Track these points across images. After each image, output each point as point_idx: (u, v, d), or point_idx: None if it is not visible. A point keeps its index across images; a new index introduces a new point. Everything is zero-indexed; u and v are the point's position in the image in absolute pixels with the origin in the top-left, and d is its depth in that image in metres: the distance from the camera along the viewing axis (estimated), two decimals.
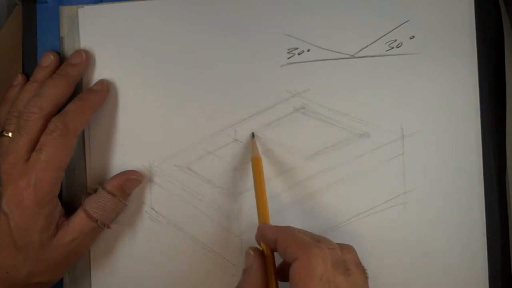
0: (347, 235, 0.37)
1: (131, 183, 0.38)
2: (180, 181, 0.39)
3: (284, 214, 0.38)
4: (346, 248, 0.31)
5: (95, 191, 0.37)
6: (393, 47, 0.38)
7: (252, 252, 0.32)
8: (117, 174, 0.37)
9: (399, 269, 0.37)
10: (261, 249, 0.33)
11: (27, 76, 0.39)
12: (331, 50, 0.38)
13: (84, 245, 0.37)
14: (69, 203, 0.38)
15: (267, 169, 0.38)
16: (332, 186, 0.38)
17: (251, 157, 0.36)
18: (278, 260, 0.32)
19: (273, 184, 0.38)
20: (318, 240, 0.30)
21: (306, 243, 0.29)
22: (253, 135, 0.38)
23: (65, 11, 0.39)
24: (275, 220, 0.38)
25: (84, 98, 0.37)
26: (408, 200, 0.37)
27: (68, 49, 0.39)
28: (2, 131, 0.36)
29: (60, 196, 0.36)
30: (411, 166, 0.37)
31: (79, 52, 0.38)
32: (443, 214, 0.37)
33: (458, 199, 0.37)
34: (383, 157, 0.37)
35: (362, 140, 0.38)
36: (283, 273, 0.32)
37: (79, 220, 0.36)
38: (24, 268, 0.34)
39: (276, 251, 0.31)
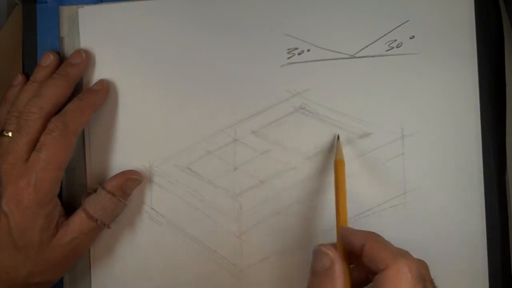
0: None
1: (131, 183, 0.38)
2: (180, 181, 0.39)
3: (284, 214, 0.38)
4: (422, 263, 0.30)
5: (95, 191, 0.37)
6: (393, 47, 0.38)
7: (331, 253, 0.30)
8: (117, 174, 0.37)
9: None
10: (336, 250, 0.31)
11: (27, 76, 0.39)
12: (331, 50, 0.38)
13: (84, 245, 0.37)
14: (69, 203, 0.38)
15: (267, 169, 0.38)
16: (332, 186, 0.38)
17: (335, 159, 0.36)
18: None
19: (273, 184, 0.38)
20: (403, 253, 0.29)
21: (397, 253, 0.28)
22: (338, 137, 0.37)
23: (65, 11, 0.39)
24: (273, 220, 0.38)
25: (84, 98, 0.37)
26: (408, 200, 0.37)
27: (68, 49, 0.39)
28: (2, 131, 0.36)
29: (60, 196, 0.36)
30: (411, 166, 0.37)
31: (79, 52, 0.38)
32: (443, 214, 0.37)
33: (458, 199, 0.37)
34: (383, 157, 0.37)
35: (362, 140, 0.38)
36: (354, 281, 0.31)
37: (79, 220, 0.36)
38: (24, 268, 0.34)
39: (355, 259, 0.30)
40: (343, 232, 0.31)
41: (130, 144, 0.39)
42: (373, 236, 0.30)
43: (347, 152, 0.37)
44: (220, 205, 0.38)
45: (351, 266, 0.31)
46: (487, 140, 0.37)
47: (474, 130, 0.37)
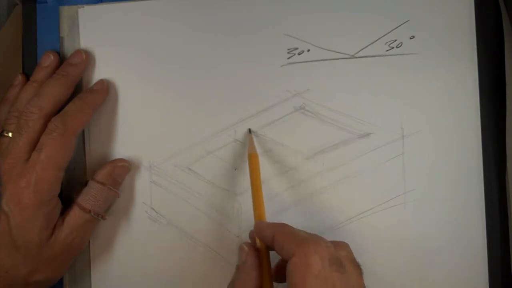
0: (347, 235, 0.37)
1: (119, 170, 0.38)
2: (180, 181, 0.39)
3: (284, 214, 0.38)
4: (341, 245, 0.31)
5: (86, 184, 0.37)
6: (393, 47, 0.38)
7: (246, 248, 0.32)
8: (105, 164, 0.38)
9: (399, 269, 0.37)
10: (255, 245, 0.32)
11: (27, 76, 0.39)
12: (331, 50, 0.38)
13: (81, 239, 0.37)
14: (69, 203, 0.38)
15: (267, 169, 0.38)
16: (332, 186, 0.38)
17: (248, 154, 0.36)
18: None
19: (273, 184, 0.38)
20: (313, 237, 0.30)
21: (304, 240, 0.29)
22: (249, 130, 0.38)
23: (65, 11, 0.39)
24: (275, 220, 0.38)
25: (84, 98, 0.37)
26: (408, 200, 0.37)
27: (68, 49, 0.39)
28: (2, 131, 0.36)
29: (60, 196, 0.36)
30: (411, 166, 0.37)
31: (79, 52, 0.38)
32: (443, 214, 0.37)
33: (458, 199, 0.37)
34: (383, 157, 0.37)
35: (362, 140, 0.38)
36: (278, 273, 0.32)
37: (73, 214, 0.36)
38: (24, 267, 0.34)
39: (272, 248, 0.31)
40: (257, 226, 0.32)
41: (130, 144, 0.39)
42: (281, 227, 0.31)
43: (347, 152, 0.37)
44: (220, 205, 0.38)
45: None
46: (487, 140, 0.37)
47: (474, 130, 0.37)
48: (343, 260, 0.29)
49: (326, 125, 0.38)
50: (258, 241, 0.32)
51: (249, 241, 0.33)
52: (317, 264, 0.28)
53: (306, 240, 0.29)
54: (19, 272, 0.34)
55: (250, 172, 0.35)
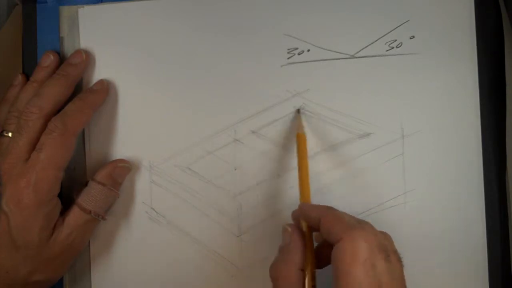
0: None
1: (120, 170, 0.38)
2: (180, 181, 0.39)
3: (285, 215, 0.38)
4: (385, 235, 0.30)
5: (86, 184, 0.37)
6: (393, 47, 0.38)
7: (290, 229, 0.31)
8: (105, 164, 0.38)
9: None
10: (299, 227, 0.32)
11: (27, 76, 0.39)
12: (331, 50, 0.38)
13: (81, 239, 0.37)
14: (69, 203, 0.38)
15: (267, 169, 0.38)
16: (332, 186, 0.38)
17: (296, 133, 0.36)
18: None
19: (273, 184, 0.38)
20: (361, 223, 0.29)
21: (352, 225, 0.28)
22: (298, 111, 0.37)
23: (65, 11, 0.39)
24: (275, 219, 0.38)
25: (84, 98, 0.37)
26: (408, 200, 0.37)
27: (68, 49, 0.39)
28: (2, 131, 0.36)
29: (60, 196, 0.36)
30: (411, 166, 0.37)
31: (79, 52, 0.38)
32: (443, 214, 0.37)
33: (458, 199, 0.37)
34: (383, 157, 0.37)
35: (362, 140, 0.38)
36: (320, 256, 0.32)
37: (73, 214, 0.36)
38: (23, 267, 0.34)
39: (317, 231, 0.31)
40: (302, 208, 0.32)
41: (130, 144, 0.39)
42: (329, 210, 0.31)
43: (347, 152, 0.37)
44: (220, 205, 0.38)
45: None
46: (487, 140, 0.37)
47: (474, 130, 0.37)
48: (388, 249, 0.29)
49: (326, 125, 0.38)
50: (302, 223, 0.32)
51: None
52: (364, 250, 0.27)
53: (354, 225, 0.28)
54: (19, 272, 0.34)
55: (298, 151, 0.35)
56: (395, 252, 0.29)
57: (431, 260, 0.37)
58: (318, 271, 0.31)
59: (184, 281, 0.38)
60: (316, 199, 0.38)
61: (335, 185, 0.38)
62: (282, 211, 0.38)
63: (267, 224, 0.38)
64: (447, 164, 0.37)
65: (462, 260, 0.37)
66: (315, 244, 0.32)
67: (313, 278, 0.30)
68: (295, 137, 0.37)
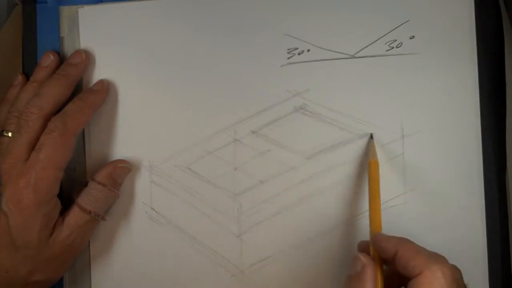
0: (347, 235, 0.37)
1: (120, 171, 0.38)
2: (180, 181, 0.39)
3: (285, 214, 0.38)
4: (456, 269, 0.30)
5: (86, 184, 0.37)
6: (393, 47, 0.38)
7: (364, 259, 0.31)
8: (105, 164, 0.38)
9: None
10: (371, 257, 0.32)
11: (27, 76, 0.39)
12: (331, 50, 0.38)
13: (81, 239, 0.37)
14: (69, 203, 0.38)
15: (267, 169, 0.38)
16: (332, 186, 0.38)
17: (369, 160, 0.36)
18: None
19: (273, 184, 0.38)
20: (439, 257, 0.30)
21: (431, 259, 0.29)
22: (371, 136, 0.37)
23: (65, 11, 0.39)
24: (275, 219, 0.38)
25: (84, 98, 0.37)
26: (408, 200, 0.37)
27: (68, 49, 0.39)
28: (2, 131, 0.36)
29: (60, 196, 0.36)
30: (411, 166, 0.37)
31: (79, 52, 0.38)
32: (443, 214, 0.37)
33: (458, 199, 0.37)
34: (383, 157, 0.37)
35: (362, 140, 0.38)
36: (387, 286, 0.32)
37: (73, 214, 0.36)
38: (23, 267, 0.34)
39: (389, 263, 0.31)
40: (375, 238, 0.32)
41: (130, 144, 0.39)
42: (406, 243, 0.30)
43: (347, 152, 0.37)
44: (220, 205, 0.38)
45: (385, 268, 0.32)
46: (487, 140, 0.37)
47: (474, 130, 0.37)
48: (460, 284, 0.29)
49: (326, 125, 0.38)
50: (373, 253, 0.32)
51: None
52: (441, 285, 0.28)
53: (433, 260, 0.29)
54: (19, 272, 0.34)
55: (370, 179, 0.35)
56: (465, 286, 0.30)
57: None
58: None
59: (184, 281, 0.38)
60: (316, 199, 0.38)
61: (335, 185, 0.38)
62: (282, 211, 0.38)
63: (267, 224, 0.38)
64: (447, 164, 0.37)
65: (462, 260, 0.37)
66: None
67: None
68: (298, 137, 0.37)
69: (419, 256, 0.29)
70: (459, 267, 0.29)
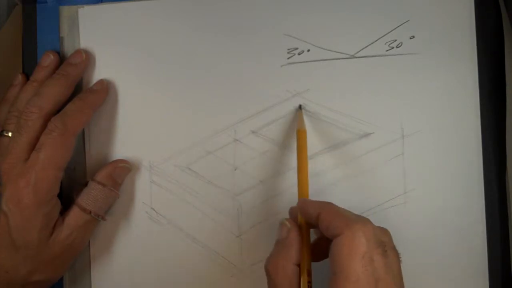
0: None
1: (120, 171, 0.38)
2: (180, 181, 0.39)
3: (284, 214, 0.38)
4: (383, 231, 0.30)
5: (86, 184, 0.37)
6: (393, 47, 0.38)
7: (288, 224, 0.32)
8: (106, 164, 0.38)
9: None
10: (297, 222, 0.32)
11: (27, 76, 0.39)
12: (331, 50, 0.38)
13: (81, 239, 0.37)
14: (69, 203, 0.38)
15: (267, 169, 0.38)
16: (332, 186, 0.38)
17: (296, 129, 0.36)
18: None
19: (273, 184, 0.38)
20: (361, 219, 0.30)
21: (351, 219, 0.29)
22: (300, 107, 0.37)
23: (65, 11, 0.39)
24: (275, 219, 0.38)
25: (84, 98, 0.37)
26: (408, 200, 0.37)
27: (68, 49, 0.39)
28: (2, 131, 0.36)
29: (60, 196, 0.36)
30: (411, 166, 0.37)
31: (79, 52, 0.38)
32: (443, 214, 0.37)
33: (458, 199, 0.37)
34: (383, 157, 0.37)
35: (362, 140, 0.38)
36: (315, 251, 0.32)
37: (73, 214, 0.36)
38: (23, 267, 0.34)
39: (314, 226, 0.31)
40: (301, 203, 0.32)
41: (130, 144, 0.39)
42: (328, 205, 0.31)
43: (347, 152, 0.37)
44: (220, 205, 0.38)
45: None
46: (487, 140, 0.37)
47: (474, 130, 0.37)
48: (386, 245, 0.29)
49: (326, 125, 0.38)
50: (300, 218, 0.32)
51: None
52: (363, 245, 0.28)
53: (354, 220, 0.29)
54: (19, 272, 0.34)
55: (298, 148, 0.35)
56: (393, 248, 0.30)
57: (431, 260, 0.37)
58: (313, 266, 0.31)
59: (183, 281, 0.38)
60: (316, 199, 0.37)
61: (335, 185, 0.38)
62: (282, 211, 0.38)
63: (267, 224, 0.38)
64: (447, 164, 0.37)
65: (462, 260, 0.37)
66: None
67: (309, 274, 0.30)
68: (295, 134, 0.37)
69: (340, 217, 0.29)
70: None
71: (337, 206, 0.31)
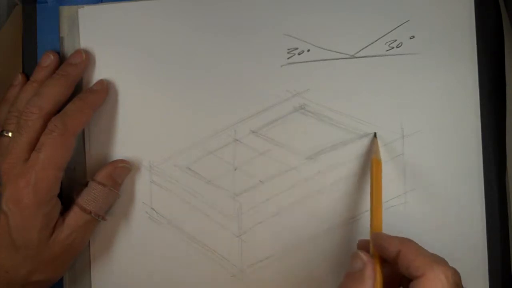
0: (347, 235, 0.37)
1: (120, 171, 0.38)
2: (180, 181, 0.39)
3: (284, 215, 0.38)
4: (457, 272, 0.30)
5: (87, 185, 0.37)
6: (393, 47, 0.38)
7: (364, 258, 0.30)
8: (106, 164, 0.38)
9: None
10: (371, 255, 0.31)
11: (27, 76, 0.39)
12: (331, 50, 0.38)
13: (81, 239, 0.37)
14: (69, 203, 0.38)
15: (267, 169, 0.38)
16: (332, 186, 0.38)
17: (372, 159, 0.35)
18: None
19: (273, 184, 0.38)
20: (441, 260, 0.30)
21: (434, 260, 0.29)
22: (375, 135, 0.37)
23: (65, 11, 0.39)
24: (275, 219, 0.38)
25: (84, 98, 0.37)
26: (408, 200, 0.37)
27: (68, 49, 0.39)
28: (2, 131, 0.36)
29: (60, 196, 0.36)
30: (411, 166, 0.37)
31: (79, 52, 0.38)
32: (443, 214, 0.37)
33: (458, 199, 0.37)
34: (383, 157, 0.37)
35: (362, 140, 0.38)
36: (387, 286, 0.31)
37: (73, 214, 0.36)
38: (23, 267, 0.34)
39: (391, 262, 0.30)
40: (376, 238, 0.31)
41: (130, 144, 0.39)
42: (409, 243, 0.30)
43: (347, 152, 0.37)
44: (220, 205, 0.38)
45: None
46: (487, 140, 0.37)
47: (474, 130, 0.37)
48: (459, 286, 0.29)
49: (326, 125, 0.38)
50: (372, 251, 0.31)
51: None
52: (443, 287, 0.28)
53: (436, 261, 0.29)
54: (19, 272, 0.34)
55: (372, 178, 0.34)
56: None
57: None
58: None
59: (183, 281, 0.38)
60: (316, 199, 0.38)
61: (335, 185, 0.38)
62: (282, 211, 0.38)
63: (267, 224, 0.38)
64: (447, 164, 0.37)
65: (462, 259, 0.37)
66: None
67: None
68: (298, 137, 0.37)
69: (422, 257, 0.29)
70: (459, 267, 0.29)
71: (417, 243, 0.30)
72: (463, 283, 0.29)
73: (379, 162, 0.35)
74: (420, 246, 0.30)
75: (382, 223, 0.33)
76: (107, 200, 0.37)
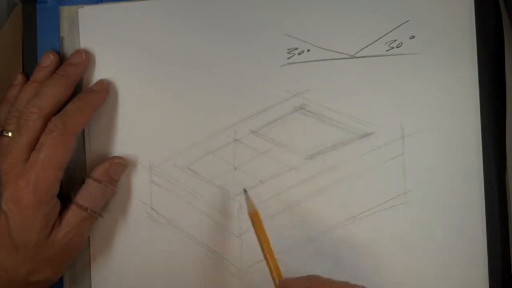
0: (347, 235, 0.37)
1: (116, 167, 0.38)
2: (180, 181, 0.39)
3: (285, 214, 0.38)
4: None
5: (83, 182, 0.37)
6: (393, 47, 0.38)
7: None
8: (101, 162, 0.38)
9: (399, 269, 0.37)
10: None
11: (27, 76, 0.39)
12: (331, 50, 0.38)
13: (79, 237, 0.37)
14: (68, 203, 0.38)
15: (267, 169, 0.38)
16: (332, 186, 0.38)
17: (249, 212, 0.35)
18: None
19: (273, 184, 0.38)
20: (351, 286, 0.30)
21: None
22: (245, 190, 0.36)
23: (65, 11, 0.39)
24: (275, 219, 0.38)
25: (84, 98, 0.37)
26: (408, 200, 0.37)
27: (68, 49, 0.39)
28: (2, 131, 0.36)
29: (60, 196, 0.36)
30: (411, 166, 0.37)
31: (79, 52, 0.38)
32: (443, 214, 0.37)
33: (458, 199, 0.37)
34: (383, 157, 0.37)
35: (362, 140, 0.38)
36: None
37: (70, 212, 0.36)
38: (23, 267, 0.34)
39: None
40: (284, 285, 0.32)
41: (130, 144, 0.39)
42: (316, 278, 0.31)
43: (347, 152, 0.37)
44: (220, 205, 0.38)
45: None
46: (487, 140, 0.37)
47: (474, 130, 0.37)
48: None
49: (326, 125, 0.38)
50: None
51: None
52: None
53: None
54: (19, 272, 0.34)
55: (256, 231, 0.34)
56: None
57: (430, 259, 0.37)
58: None
59: (184, 280, 0.38)
60: (316, 200, 0.38)
61: (335, 185, 0.38)
62: (282, 211, 0.38)
63: (267, 224, 0.38)
64: (447, 164, 0.37)
65: (462, 260, 0.37)
66: None
67: None
68: (298, 137, 0.37)
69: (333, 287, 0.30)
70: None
71: (323, 277, 0.31)
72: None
73: (256, 213, 0.35)
74: (328, 278, 0.31)
75: (280, 270, 0.33)
76: (103, 197, 0.37)
